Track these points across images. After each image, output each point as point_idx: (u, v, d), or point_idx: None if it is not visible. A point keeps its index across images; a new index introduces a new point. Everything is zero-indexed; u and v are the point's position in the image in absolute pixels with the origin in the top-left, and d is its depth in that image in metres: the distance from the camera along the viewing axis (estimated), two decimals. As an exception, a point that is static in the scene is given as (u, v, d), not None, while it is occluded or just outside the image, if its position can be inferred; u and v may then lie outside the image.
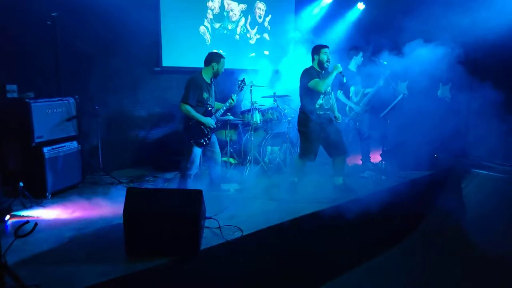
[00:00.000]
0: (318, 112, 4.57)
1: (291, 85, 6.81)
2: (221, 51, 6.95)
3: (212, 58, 4.48)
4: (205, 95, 4.40)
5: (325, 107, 4.63)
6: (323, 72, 4.60)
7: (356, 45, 5.94)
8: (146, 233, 3.04)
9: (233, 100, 4.62)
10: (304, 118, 4.61)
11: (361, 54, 5.77)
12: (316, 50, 4.59)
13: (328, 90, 4.66)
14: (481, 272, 4.33)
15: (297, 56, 7.02)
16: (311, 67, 4.63)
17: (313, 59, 4.63)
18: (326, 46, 4.59)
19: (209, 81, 4.52)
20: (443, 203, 5.59)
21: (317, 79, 4.46)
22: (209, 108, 4.48)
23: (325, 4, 7.87)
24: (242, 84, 4.83)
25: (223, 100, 4.75)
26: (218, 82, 6.15)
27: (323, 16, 7.87)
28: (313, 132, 4.57)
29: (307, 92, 4.56)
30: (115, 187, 4.94)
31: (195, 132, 4.37)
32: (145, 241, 3.05)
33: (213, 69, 4.46)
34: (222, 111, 4.60)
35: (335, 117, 4.78)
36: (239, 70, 6.49)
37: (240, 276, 3.40)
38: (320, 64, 4.55)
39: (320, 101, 4.58)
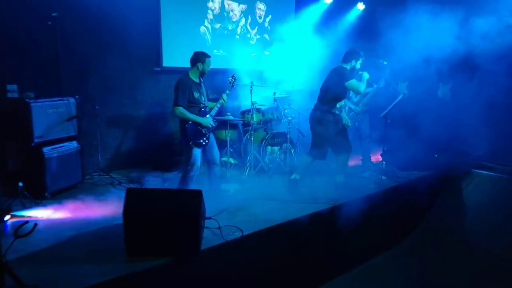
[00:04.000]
0: (337, 112, 4.77)
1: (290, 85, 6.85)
2: (221, 52, 7.01)
3: (197, 58, 4.40)
4: (196, 94, 4.35)
5: (339, 107, 4.83)
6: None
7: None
8: (146, 233, 3.04)
9: (224, 100, 4.54)
10: (324, 117, 4.71)
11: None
12: (356, 56, 4.67)
13: None
14: (480, 271, 4.33)
15: (297, 55, 7.02)
16: (345, 68, 4.67)
17: (347, 62, 4.69)
18: (363, 56, 4.73)
19: (197, 81, 4.44)
20: (443, 203, 5.60)
21: (355, 80, 4.58)
22: (203, 108, 4.43)
23: (325, 4, 7.87)
24: (233, 80, 4.80)
25: (218, 99, 4.69)
26: (218, 82, 6.18)
27: (323, 16, 7.86)
28: (330, 131, 4.69)
29: (337, 91, 4.65)
30: (115, 187, 4.95)
31: (193, 134, 4.31)
32: (145, 241, 3.05)
33: (198, 68, 4.39)
34: (216, 109, 4.52)
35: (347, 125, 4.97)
36: (239, 70, 6.48)
37: (240, 276, 3.40)
38: (353, 70, 4.69)
39: (341, 102, 4.80)
